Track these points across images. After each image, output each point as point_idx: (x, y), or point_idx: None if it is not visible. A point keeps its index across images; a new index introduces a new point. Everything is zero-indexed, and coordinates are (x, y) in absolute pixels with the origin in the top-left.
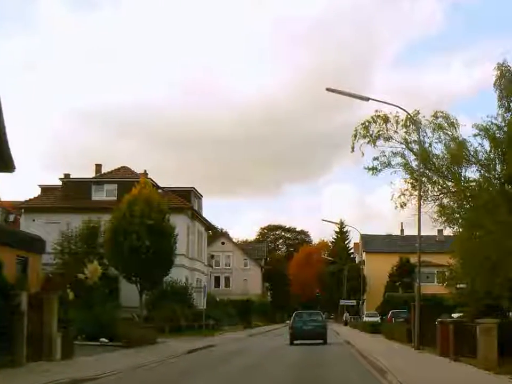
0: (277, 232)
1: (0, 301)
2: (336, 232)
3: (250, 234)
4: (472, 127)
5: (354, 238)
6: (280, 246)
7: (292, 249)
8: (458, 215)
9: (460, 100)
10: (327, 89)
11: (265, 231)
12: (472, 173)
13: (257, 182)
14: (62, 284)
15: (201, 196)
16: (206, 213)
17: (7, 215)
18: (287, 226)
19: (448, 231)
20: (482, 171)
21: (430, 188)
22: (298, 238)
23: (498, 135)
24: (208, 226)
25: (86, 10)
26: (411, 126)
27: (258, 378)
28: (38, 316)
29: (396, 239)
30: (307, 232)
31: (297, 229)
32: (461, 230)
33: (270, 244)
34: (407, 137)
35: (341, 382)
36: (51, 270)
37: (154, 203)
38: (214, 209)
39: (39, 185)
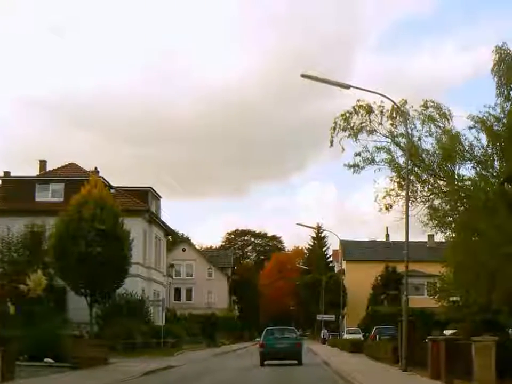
0: (246, 238)
1: None
2: (312, 237)
3: (216, 240)
4: (467, 118)
5: (333, 245)
6: (249, 254)
7: (262, 257)
8: (451, 218)
9: (453, 88)
10: (302, 76)
11: (233, 236)
12: (467, 171)
13: (223, 181)
14: (2, 297)
15: (159, 196)
16: (166, 216)
17: None
18: (257, 231)
19: (440, 237)
20: (478, 168)
21: (419, 187)
22: (270, 245)
23: (496, 127)
24: (168, 231)
25: None
26: (398, 117)
27: None
28: None
29: (381, 246)
30: (280, 237)
31: (268, 234)
32: (454, 235)
33: (237, 251)
34: (393, 130)
35: None
36: None
37: (106, 205)
38: (174, 212)
39: None
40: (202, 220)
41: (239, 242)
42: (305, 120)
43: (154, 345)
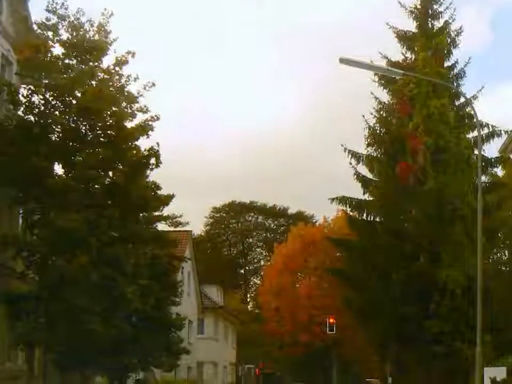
0: (249, 217)
1: None
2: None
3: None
4: None
5: None
6: (253, 250)
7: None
8: None
9: None
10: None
11: (223, 214)
12: None
13: None
14: None
15: None
16: None
17: None
18: (270, 205)
19: None
20: None
21: None
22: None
23: None
24: None
25: None
26: None
27: None
28: None
29: None
30: (311, 216)
31: (291, 211)
32: None
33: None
34: None
35: None
36: None
37: None
38: None
39: None
40: None
41: (234, 225)
42: None
43: None
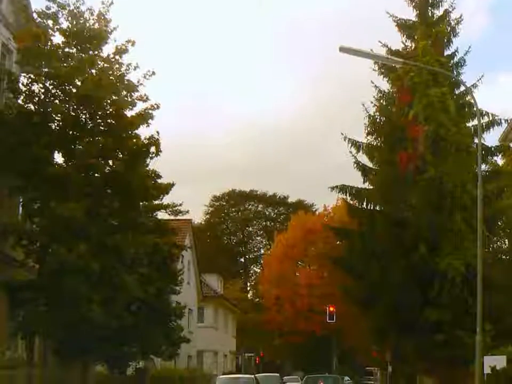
0: (249, 206)
1: None
2: None
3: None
4: None
5: None
6: (254, 238)
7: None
8: None
9: None
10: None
11: (223, 203)
12: None
13: None
14: None
15: None
16: None
17: None
18: (270, 194)
19: None
20: None
21: None
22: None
23: None
24: None
25: None
26: None
27: None
28: None
29: None
30: (312, 205)
31: (291, 200)
32: None
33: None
34: None
35: None
36: None
37: None
38: None
39: None
40: None
41: (234, 213)
42: None
43: None
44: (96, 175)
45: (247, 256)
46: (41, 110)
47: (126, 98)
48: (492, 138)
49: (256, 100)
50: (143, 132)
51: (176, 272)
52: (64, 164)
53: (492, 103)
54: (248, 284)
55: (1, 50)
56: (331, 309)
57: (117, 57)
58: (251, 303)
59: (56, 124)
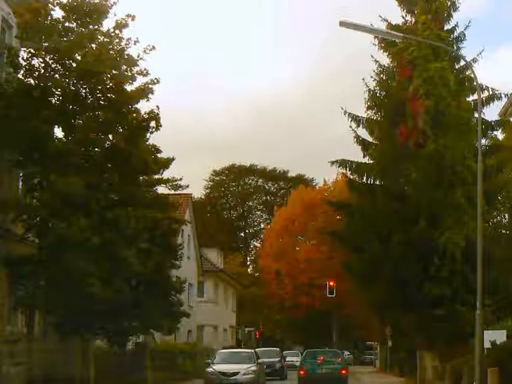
0: (249, 180)
1: None
2: None
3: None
4: None
5: None
6: (255, 212)
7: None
8: None
9: None
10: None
11: (223, 178)
12: None
13: None
14: None
15: None
16: None
17: None
18: (270, 168)
19: None
20: None
21: None
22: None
23: None
24: None
25: None
26: None
27: None
28: None
29: None
30: (312, 179)
31: (291, 174)
32: None
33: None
34: None
35: None
36: None
37: None
38: None
39: None
40: None
41: (234, 188)
42: None
43: None
44: (96, 149)
45: (247, 231)
46: (41, 84)
47: (126, 73)
48: (491, 112)
49: (256, 76)
50: (143, 106)
51: (176, 247)
52: (64, 139)
53: (492, 78)
54: (248, 259)
55: (1, 25)
56: (331, 283)
57: (117, 31)
58: (251, 278)
59: (56, 99)
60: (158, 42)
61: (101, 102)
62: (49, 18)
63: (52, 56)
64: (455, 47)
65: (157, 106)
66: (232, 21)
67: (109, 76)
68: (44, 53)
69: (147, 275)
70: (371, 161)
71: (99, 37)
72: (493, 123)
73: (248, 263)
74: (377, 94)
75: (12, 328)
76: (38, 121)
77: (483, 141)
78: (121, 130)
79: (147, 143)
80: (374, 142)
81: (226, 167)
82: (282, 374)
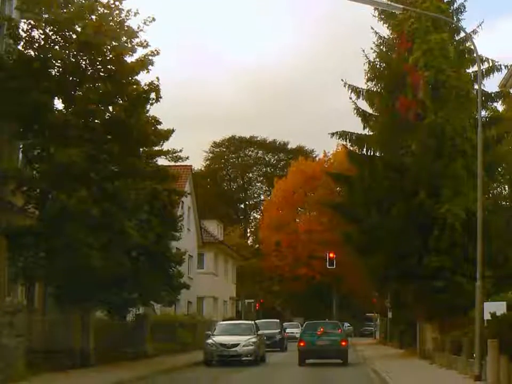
0: (249, 152)
1: None
2: None
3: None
4: None
5: None
6: (254, 184)
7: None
8: None
9: None
10: None
11: (223, 149)
12: None
13: None
14: None
15: None
16: None
17: None
18: (270, 140)
19: None
20: None
21: None
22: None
23: None
24: None
25: None
26: None
27: None
28: None
29: None
30: (312, 151)
31: (291, 146)
32: None
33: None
34: None
35: None
36: None
37: None
38: None
39: None
40: None
41: (234, 160)
42: None
43: None
44: (96, 121)
45: (247, 202)
46: (41, 56)
47: (126, 44)
48: (491, 84)
49: (256, 48)
50: (143, 78)
51: (176, 218)
52: (64, 110)
53: (492, 49)
54: (248, 230)
55: None
56: (331, 255)
57: (117, 3)
58: (251, 249)
59: (56, 70)
60: (158, 12)
61: (101, 73)
62: None
63: (52, 27)
64: (455, 18)
65: (157, 78)
66: None
67: (109, 47)
68: (44, 24)
69: (147, 247)
70: (371, 133)
71: (99, 8)
72: (493, 95)
73: (248, 235)
74: (377, 66)
75: (11, 299)
76: (38, 92)
77: (483, 113)
78: (121, 102)
79: (147, 114)
80: (374, 113)
81: (226, 138)
82: (282, 345)
